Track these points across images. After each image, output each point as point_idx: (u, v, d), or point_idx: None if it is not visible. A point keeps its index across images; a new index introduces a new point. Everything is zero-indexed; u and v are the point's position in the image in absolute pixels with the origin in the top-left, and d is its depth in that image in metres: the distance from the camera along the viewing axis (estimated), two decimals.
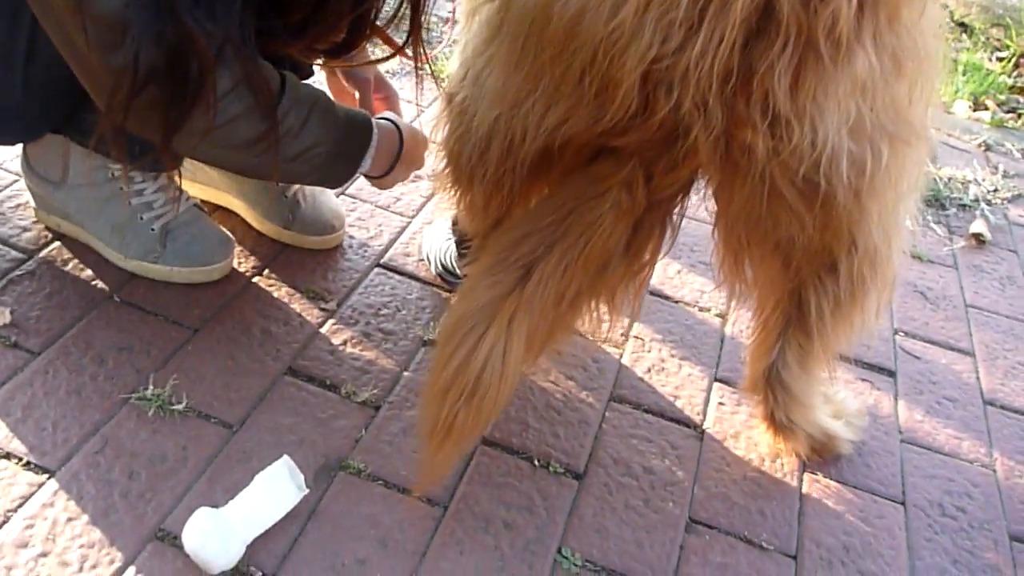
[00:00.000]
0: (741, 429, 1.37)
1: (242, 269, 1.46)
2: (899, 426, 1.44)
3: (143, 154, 1.17)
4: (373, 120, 1.32)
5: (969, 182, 2.28)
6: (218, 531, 1.01)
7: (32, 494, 1.06)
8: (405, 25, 1.22)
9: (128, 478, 1.09)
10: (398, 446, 1.21)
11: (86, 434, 1.14)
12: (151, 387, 1.21)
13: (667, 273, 1.68)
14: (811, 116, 0.90)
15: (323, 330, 1.37)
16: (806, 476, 1.32)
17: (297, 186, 1.52)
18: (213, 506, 1.05)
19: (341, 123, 1.24)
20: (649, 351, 1.49)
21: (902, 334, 1.66)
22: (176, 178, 1.31)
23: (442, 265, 1.53)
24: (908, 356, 1.61)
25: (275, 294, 1.42)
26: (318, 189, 1.56)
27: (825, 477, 1.32)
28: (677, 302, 1.62)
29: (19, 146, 1.41)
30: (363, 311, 1.43)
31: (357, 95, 1.50)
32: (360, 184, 1.63)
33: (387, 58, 1.30)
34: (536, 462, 1.24)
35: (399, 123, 1.39)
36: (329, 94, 1.41)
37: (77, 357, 1.24)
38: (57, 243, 1.42)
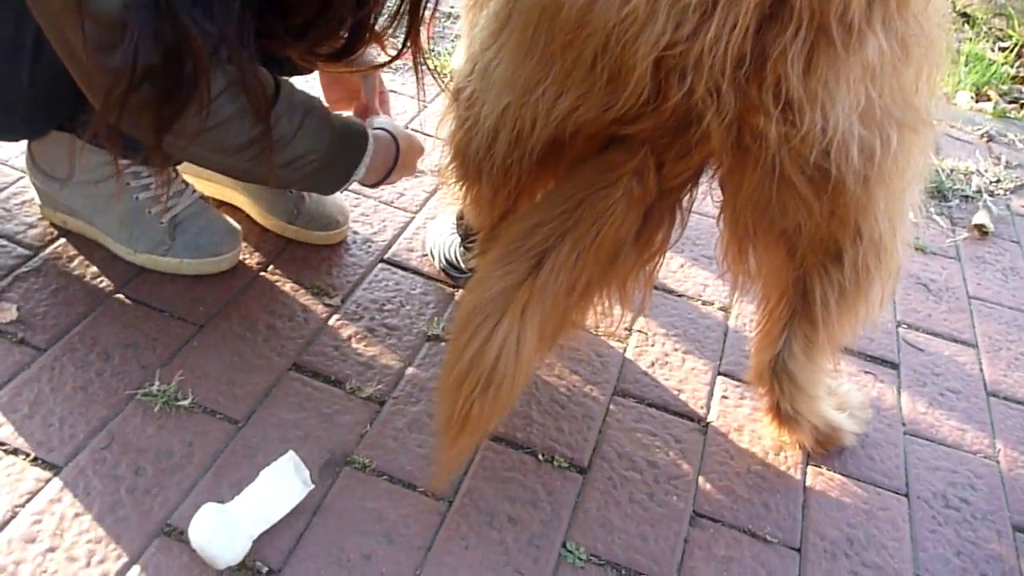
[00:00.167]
0: (745, 423, 1.37)
1: (247, 264, 1.46)
2: (902, 418, 1.45)
3: (135, 151, 1.17)
4: (369, 132, 1.32)
5: (972, 173, 2.28)
6: (224, 526, 1.01)
7: (39, 490, 1.06)
8: (404, 26, 1.21)
9: (134, 474, 1.10)
10: (403, 441, 1.22)
11: (93, 430, 1.14)
12: (157, 383, 1.22)
13: (670, 267, 1.68)
14: (823, 101, 0.90)
15: (327, 326, 1.38)
16: (810, 469, 1.32)
17: None
18: (219, 501, 1.06)
19: (336, 133, 1.24)
20: (653, 345, 1.49)
21: (905, 326, 1.66)
22: (174, 173, 1.31)
23: (446, 260, 1.53)
24: (911, 348, 1.61)
25: (279, 290, 1.43)
26: None
27: (829, 470, 1.32)
28: (681, 296, 1.62)
29: (23, 143, 1.41)
30: (367, 306, 1.44)
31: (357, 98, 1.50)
32: None
33: (385, 64, 1.30)
34: (540, 456, 1.25)
35: (395, 132, 1.38)
36: (323, 91, 1.41)
37: (83, 353, 1.24)
38: (63, 239, 1.42)
